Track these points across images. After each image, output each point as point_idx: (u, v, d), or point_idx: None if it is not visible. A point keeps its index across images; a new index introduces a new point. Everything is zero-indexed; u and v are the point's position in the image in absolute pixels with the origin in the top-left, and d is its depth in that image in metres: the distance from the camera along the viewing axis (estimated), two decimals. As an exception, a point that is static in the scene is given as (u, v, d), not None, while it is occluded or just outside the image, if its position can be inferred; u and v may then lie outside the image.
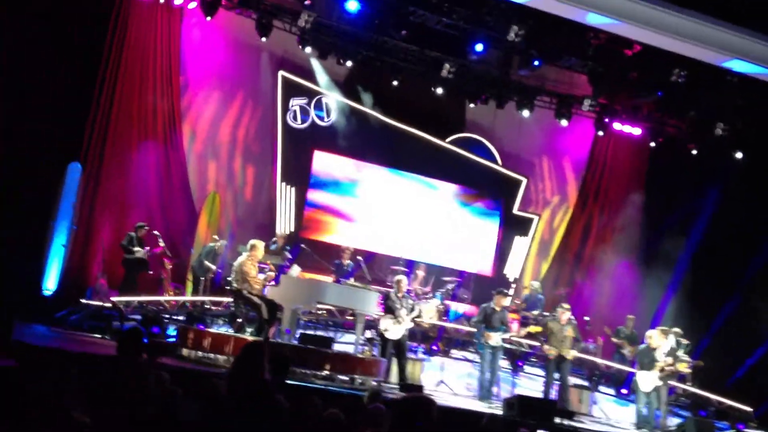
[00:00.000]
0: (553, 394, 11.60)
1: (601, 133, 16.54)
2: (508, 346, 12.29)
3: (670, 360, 12.16)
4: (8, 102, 11.42)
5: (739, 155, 15.48)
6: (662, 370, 11.84)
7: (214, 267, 13.15)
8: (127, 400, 4.45)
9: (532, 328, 12.11)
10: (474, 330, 13.48)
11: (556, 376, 11.72)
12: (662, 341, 12.18)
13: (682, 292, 16.02)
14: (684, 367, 12.75)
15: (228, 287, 10.71)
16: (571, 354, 11.64)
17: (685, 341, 13.75)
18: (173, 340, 10.79)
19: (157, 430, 3.90)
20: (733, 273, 15.51)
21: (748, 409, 13.68)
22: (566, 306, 12.03)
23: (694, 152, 15.88)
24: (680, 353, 13.06)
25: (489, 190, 16.96)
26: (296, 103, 15.46)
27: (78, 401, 4.11)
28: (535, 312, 14.36)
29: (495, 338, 11.33)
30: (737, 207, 15.37)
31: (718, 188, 15.92)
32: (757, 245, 15.44)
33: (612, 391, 13.84)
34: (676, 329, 13.84)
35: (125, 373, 5.02)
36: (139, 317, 11.80)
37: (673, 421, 12.19)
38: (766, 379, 14.01)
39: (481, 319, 11.55)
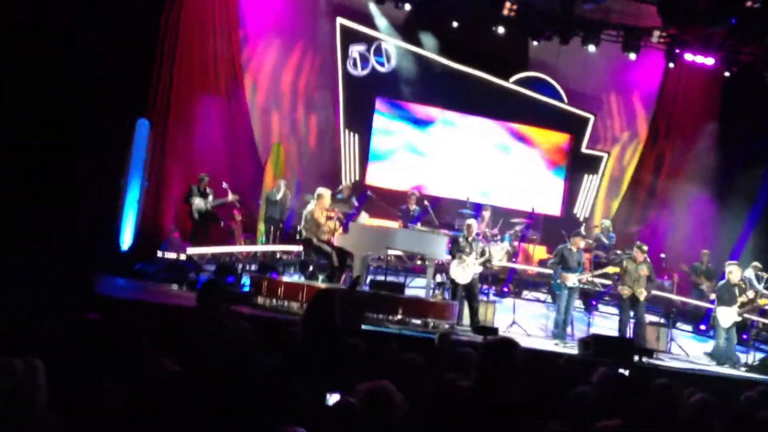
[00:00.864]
0: (629, 333, 11.46)
1: (671, 65, 15.88)
2: (583, 286, 12.12)
3: (751, 294, 11.87)
4: (73, 61, 11.59)
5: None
6: (743, 305, 11.58)
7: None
8: (211, 349, 4.55)
9: (610, 269, 11.92)
10: (546, 271, 13.44)
11: (631, 314, 11.57)
12: (742, 275, 11.89)
13: (762, 225, 15.53)
14: (765, 302, 12.43)
15: (298, 236, 10.83)
16: (644, 294, 11.44)
17: (765, 275, 13.39)
18: (247, 289, 10.99)
19: (241, 378, 3.99)
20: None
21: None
22: (642, 246, 11.78)
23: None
24: (761, 287, 12.74)
25: (557, 129, 16.60)
26: (355, 49, 15.34)
27: (164, 351, 4.22)
28: (602, 254, 14.14)
29: (572, 279, 11.22)
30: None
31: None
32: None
33: (690, 328, 13.62)
34: (756, 263, 13.47)
35: (207, 323, 5.13)
36: (213, 268, 12.11)
37: (756, 356, 11.91)
38: None
39: (558, 260, 11.44)
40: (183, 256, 12.10)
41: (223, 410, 3.49)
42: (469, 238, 11.19)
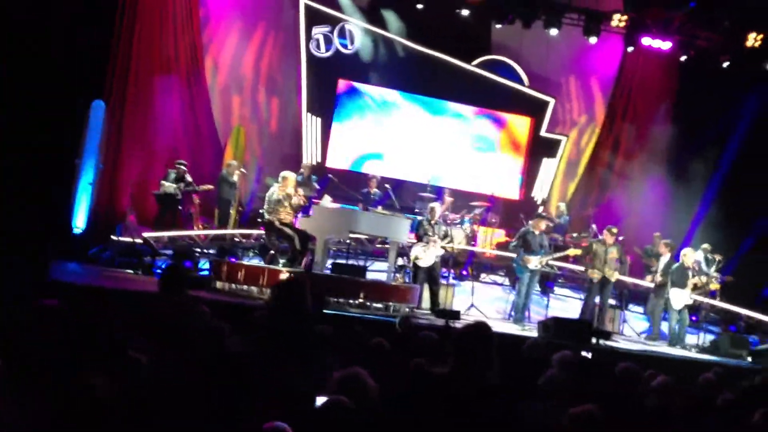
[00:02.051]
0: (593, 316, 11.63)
1: (630, 48, 16.08)
2: (543, 269, 12.21)
3: (703, 279, 12.13)
4: (26, 41, 11.25)
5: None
6: (695, 287, 11.83)
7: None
8: (176, 336, 4.47)
9: (571, 251, 12.06)
10: (505, 254, 13.54)
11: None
12: (693, 258, 12.18)
13: (714, 209, 15.86)
14: (716, 286, 12.73)
15: (259, 219, 10.72)
16: (615, 276, 11.58)
17: (717, 257, 13.69)
18: (206, 273, 10.87)
19: (209, 364, 3.93)
20: (765, 190, 15.28)
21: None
22: (612, 228, 11.91)
23: (726, 65, 15.44)
24: (710, 270, 13.03)
25: (516, 111, 16.71)
26: (319, 31, 15.20)
27: (128, 339, 4.14)
28: (559, 236, 14.30)
29: (534, 261, 11.31)
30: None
31: (751, 102, 15.55)
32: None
33: (641, 310, 13.86)
34: (706, 245, 13.77)
35: (170, 309, 5.05)
36: (170, 252, 11.93)
37: (707, 338, 12.20)
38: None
39: (520, 243, 11.50)
40: (139, 240, 11.89)
41: (202, 400, 3.44)
42: (432, 221, 11.21)
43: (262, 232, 11.18)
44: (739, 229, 15.27)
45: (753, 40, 14.18)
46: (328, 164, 15.36)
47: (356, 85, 15.73)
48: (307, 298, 4.61)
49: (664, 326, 12.35)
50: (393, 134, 16.06)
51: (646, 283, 13.93)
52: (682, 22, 15.19)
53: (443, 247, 11.29)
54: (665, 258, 12.24)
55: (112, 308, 5.29)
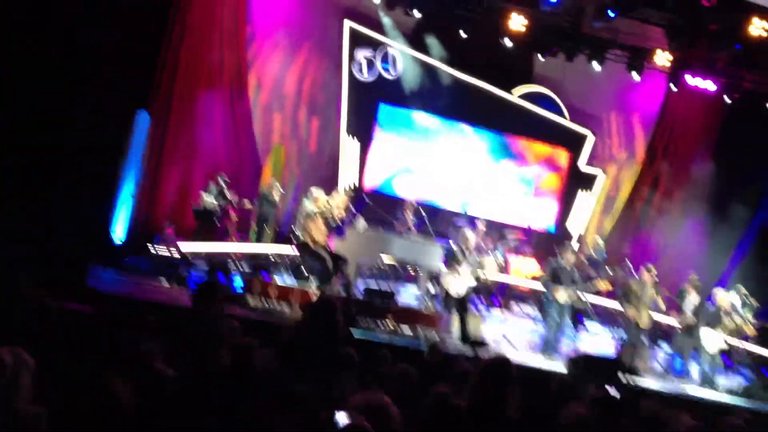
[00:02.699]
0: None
1: (674, 87, 16.00)
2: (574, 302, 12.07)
3: (738, 320, 11.93)
4: (78, 48, 11.52)
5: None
6: (731, 332, 11.64)
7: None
8: (205, 351, 4.54)
9: (602, 285, 11.92)
10: (538, 286, 13.45)
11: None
12: (729, 300, 11.99)
13: (752, 253, 15.63)
14: (750, 331, 12.50)
15: (294, 239, 10.81)
16: (646, 320, 11.39)
17: (753, 302, 13.47)
18: (240, 289, 10.97)
19: (236, 380, 3.99)
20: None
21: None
22: (650, 266, 11.77)
23: (771, 108, 15.29)
24: (746, 313, 12.80)
25: (556, 144, 16.69)
26: (362, 54, 15.36)
27: (157, 352, 4.21)
28: (593, 272, 14.15)
29: (563, 295, 11.22)
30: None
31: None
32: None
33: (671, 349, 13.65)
34: (742, 288, 13.55)
35: (202, 324, 5.12)
36: (205, 265, 12.07)
37: (738, 380, 11.99)
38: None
39: (550, 276, 11.43)
40: (175, 252, 12.05)
41: (226, 413, 3.49)
42: (465, 250, 11.19)
43: (297, 251, 11.26)
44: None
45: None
46: (366, 180, 15.42)
47: (397, 109, 15.82)
48: (336, 319, 4.65)
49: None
50: (429, 159, 16.10)
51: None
52: (727, 64, 15.09)
53: (476, 276, 11.26)
54: (694, 297, 12.03)
55: (143, 319, 5.37)
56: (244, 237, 13.64)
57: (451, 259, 11.12)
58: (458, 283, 10.96)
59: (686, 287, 12.42)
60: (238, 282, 11.42)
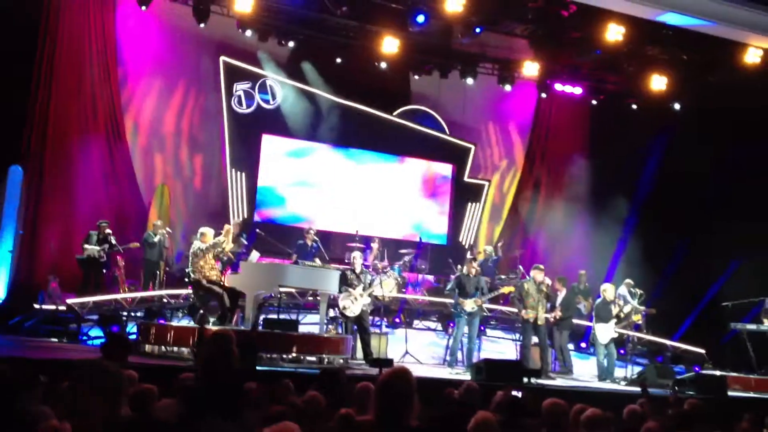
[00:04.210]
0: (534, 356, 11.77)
1: (543, 95, 16.75)
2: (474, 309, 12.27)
3: (627, 309, 12.49)
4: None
5: (677, 106, 15.85)
6: (618, 320, 12.16)
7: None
8: (104, 404, 4.38)
9: (505, 289, 12.19)
10: (436, 299, 13.70)
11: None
12: (616, 293, 12.57)
13: (633, 243, 16.43)
14: (638, 318, 13.11)
15: (186, 279, 10.58)
16: (542, 317, 11.73)
17: (638, 291, 14.17)
18: (134, 337, 10.65)
19: (138, 430, 3.87)
20: (680, 222, 15.95)
21: (701, 351, 14.17)
22: (539, 266, 12.14)
23: (634, 107, 16.20)
24: (635, 302, 13.45)
25: (439, 160, 17.07)
26: (240, 87, 15.29)
27: (55, 409, 4.04)
28: (488, 279, 14.50)
29: (470, 304, 11.44)
30: (679, 156, 15.76)
31: (660, 140, 16.30)
32: (699, 193, 15.89)
33: (572, 346, 14.13)
34: (628, 280, 14.24)
35: (103, 377, 4.93)
36: (96, 317, 11.64)
37: (635, 370, 12.52)
38: (715, 322, 14.42)
39: (455, 286, 11.65)
40: (63, 307, 11.56)
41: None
42: (357, 270, 11.28)
43: (191, 291, 11.03)
44: (656, 263, 15.83)
45: (657, 82, 14.90)
46: (257, 211, 15.32)
47: (281, 138, 15.80)
48: (234, 356, 4.58)
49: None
50: (320, 186, 16.16)
51: (574, 320, 14.27)
52: (590, 68, 15.92)
53: (373, 296, 11.36)
54: (562, 293, 12.50)
55: (34, 380, 5.14)
56: (134, 283, 13.24)
57: (345, 282, 11.18)
58: (353, 305, 11.02)
59: (557, 284, 12.79)
60: (132, 330, 11.10)
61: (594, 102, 16.96)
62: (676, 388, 11.15)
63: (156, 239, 13.09)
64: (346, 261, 13.66)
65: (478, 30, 13.70)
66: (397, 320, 13.61)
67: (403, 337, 12.42)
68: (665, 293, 15.46)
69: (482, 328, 13.72)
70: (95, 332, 11.50)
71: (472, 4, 12.55)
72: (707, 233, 15.47)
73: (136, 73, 14.55)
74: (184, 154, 15.16)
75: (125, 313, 12.12)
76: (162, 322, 11.16)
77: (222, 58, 15.06)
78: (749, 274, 14.58)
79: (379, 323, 12.53)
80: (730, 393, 10.89)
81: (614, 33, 13.08)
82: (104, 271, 12.69)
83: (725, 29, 12.91)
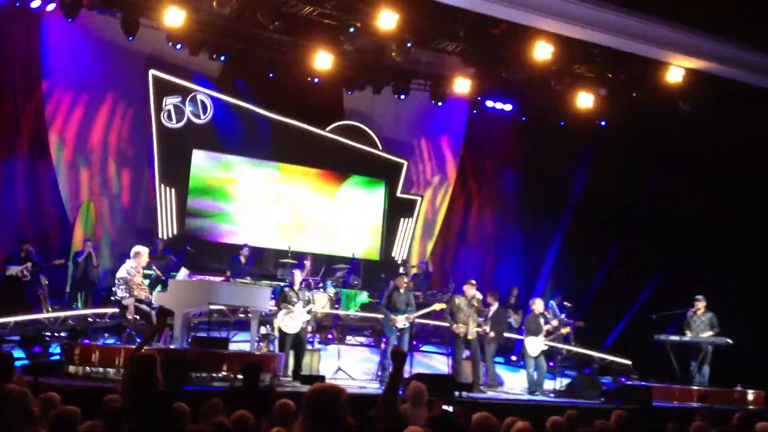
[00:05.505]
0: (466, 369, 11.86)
1: (474, 111, 16.99)
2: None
3: (555, 323, 12.72)
4: None
5: (602, 123, 16.27)
6: (548, 333, 12.36)
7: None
8: (20, 427, 4.23)
9: (437, 305, 12.26)
10: (369, 315, 13.69)
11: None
12: (545, 306, 12.79)
13: (561, 257, 16.77)
14: (567, 331, 13.35)
15: (113, 297, 10.31)
16: (473, 332, 11.80)
17: (566, 303, 14.49)
18: (58, 357, 10.32)
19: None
20: (606, 236, 16.34)
21: (628, 362, 14.52)
22: (471, 281, 12.24)
23: (563, 123, 16.56)
24: (562, 316, 13.71)
25: (372, 175, 17.11)
26: (170, 102, 15.02)
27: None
28: (420, 294, 14.58)
29: (401, 320, 11.45)
30: (606, 172, 16.18)
31: (588, 155, 16.69)
32: (627, 205, 16.33)
33: (502, 360, 14.30)
34: (556, 294, 14.52)
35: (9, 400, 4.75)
36: (17, 338, 11.23)
37: (564, 382, 12.73)
38: (640, 335, 14.78)
39: (386, 303, 11.65)
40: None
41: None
42: (296, 287, 11.20)
43: (118, 310, 10.75)
44: (584, 276, 16.19)
45: (584, 99, 15.24)
46: (186, 228, 15.07)
47: (211, 154, 15.60)
48: (156, 376, 4.50)
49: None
50: (249, 201, 15.99)
51: (505, 333, 14.44)
52: (520, 84, 16.18)
53: (312, 312, 11.30)
54: (494, 307, 12.67)
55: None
56: (58, 302, 12.84)
57: (282, 299, 11.08)
58: (293, 322, 10.95)
59: (489, 298, 12.94)
60: (56, 350, 10.76)
61: (524, 118, 17.27)
62: (602, 399, 11.41)
63: (90, 257, 12.80)
64: (279, 277, 13.55)
65: (409, 45, 13.74)
66: (330, 336, 13.54)
67: (336, 353, 12.37)
68: (593, 305, 15.81)
69: (414, 342, 13.80)
70: (18, 354, 11.08)
71: (405, 22, 12.65)
72: (633, 247, 15.90)
73: (62, 86, 14.20)
74: (111, 170, 14.82)
75: (48, 334, 11.73)
76: (87, 342, 10.84)
77: (151, 72, 14.79)
78: (672, 286, 15.06)
79: (311, 340, 12.44)
80: (654, 403, 11.15)
81: (543, 51, 13.34)
82: (26, 290, 12.28)
83: (648, 48, 13.30)
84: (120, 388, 4.97)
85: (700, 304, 13.10)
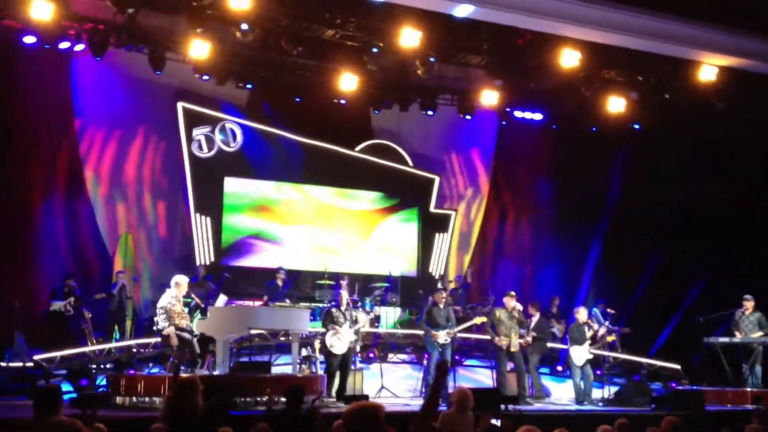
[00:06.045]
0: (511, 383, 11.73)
1: (504, 122, 16.90)
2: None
3: (602, 331, 12.52)
4: None
5: (636, 126, 16.07)
6: (592, 341, 12.18)
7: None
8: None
9: (478, 320, 12.18)
10: (409, 332, 13.63)
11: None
12: (589, 314, 12.61)
13: (602, 263, 16.54)
14: (612, 338, 13.14)
15: (155, 327, 10.41)
16: (516, 344, 11.70)
17: (610, 310, 14.26)
18: (104, 389, 10.42)
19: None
20: (646, 240, 16.10)
21: (677, 366, 14.22)
22: (511, 292, 12.14)
23: (595, 129, 16.40)
24: (607, 323, 13.50)
25: (404, 192, 17.09)
26: (200, 132, 15.20)
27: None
28: (459, 308, 14.48)
29: (442, 335, 11.37)
30: (642, 175, 15.97)
31: (622, 160, 16.50)
32: (666, 208, 16.08)
33: (547, 370, 14.12)
34: (600, 302, 14.30)
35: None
36: (64, 372, 11.39)
37: (611, 390, 12.51)
38: (688, 338, 14.49)
39: (426, 319, 11.58)
40: (30, 364, 11.30)
41: None
42: (342, 308, 11.19)
43: (161, 339, 10.84)
44: (627, 282, 15.94)
45: (615, 104, 15.06)
46: (223, 255, 15.18)
47: (244, 180, 15.73)
48: (197, 401, 4.50)
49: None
50: (284, 224, 16.06)
51: (549, 344, 14.26)
52: (548, 93, 16.07)
53: (359, 332, 11.29)
54: (535, 318, 12.53)
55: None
56: (102, 335, 13.00)
57: (328, 320, 11.06)
58: (341, 342, 10.93)
59: (530, 309, 12.81)
60: (102, 382, 10.88)
61: (554, 126, 17.13)
62: (653, 406, 11.18)
63: (114, 291, 12.97)
64: (317, 299, 13.57)
65: (432, 60, 13.72)
66: (371, 355, 13.49)
67: (378, 372, 12.31)
68: (638, 311, 15.56)
69: (457, 357, 13.70)
70: (65, 387, 11.23)
71: (427, 39, 12.66)
72: (674, 249, 15.63)
73: (95, 124, 14.47)
74: (147, 202, 15.02)
75: (94, 366, 11.88)
76: (132, 372, 10.93)
77: (180, 104, 15.00)
78: (718, 287, 14.75)
79: (353, 359, 12.41)
80: (707, 407, 10.90)
81: (570, 58, 13.26)
82: (70, 324, 12.47)
83: (677, 48, 13.15)
84: (162, 415, 4.99)
85: (749, 304, 12.83)
